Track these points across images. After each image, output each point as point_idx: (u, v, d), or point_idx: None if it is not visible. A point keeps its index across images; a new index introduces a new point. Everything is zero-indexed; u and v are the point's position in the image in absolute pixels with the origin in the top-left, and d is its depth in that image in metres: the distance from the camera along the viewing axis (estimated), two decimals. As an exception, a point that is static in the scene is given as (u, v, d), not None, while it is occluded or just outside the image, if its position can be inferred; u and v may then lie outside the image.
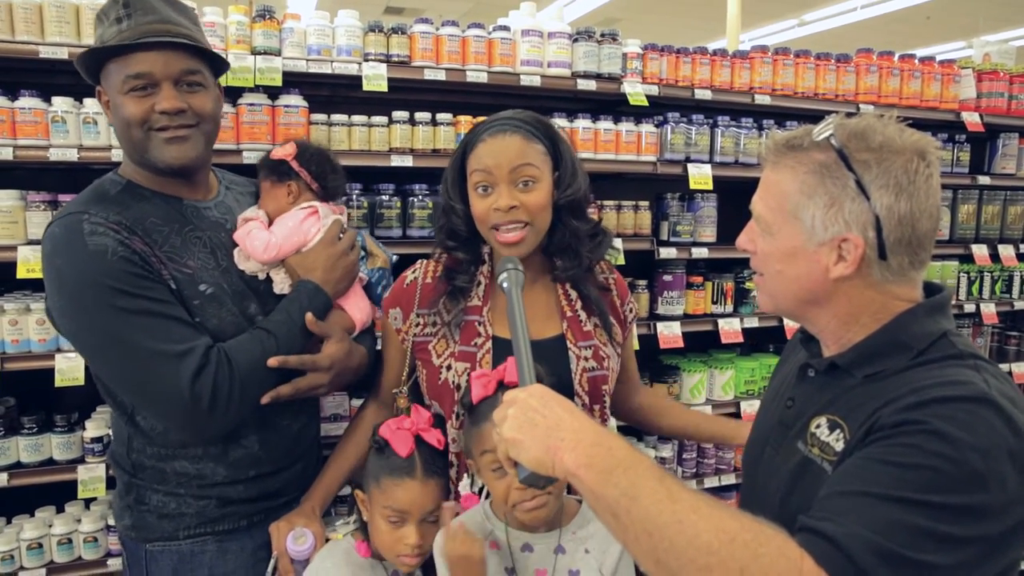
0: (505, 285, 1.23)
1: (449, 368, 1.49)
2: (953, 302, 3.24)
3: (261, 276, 1.57)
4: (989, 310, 3.26)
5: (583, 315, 1.55)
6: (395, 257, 1.93)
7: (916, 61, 3.07)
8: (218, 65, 1.55)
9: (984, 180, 3.23)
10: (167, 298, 1.39)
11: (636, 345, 2.49)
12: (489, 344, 1.49)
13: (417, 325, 1.55)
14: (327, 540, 1.48)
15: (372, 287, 1.72)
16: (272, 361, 1.44)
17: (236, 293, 1.51)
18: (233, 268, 1.53)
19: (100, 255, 1.34)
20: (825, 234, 1.01)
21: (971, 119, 3.13)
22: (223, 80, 2.15)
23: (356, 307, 1.64)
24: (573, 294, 1.57)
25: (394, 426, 1.40)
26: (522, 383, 1.07)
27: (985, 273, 3.32)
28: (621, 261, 2.60)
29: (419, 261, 1.65)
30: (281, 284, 1.58)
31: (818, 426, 1.06)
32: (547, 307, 1.56)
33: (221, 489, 1.50)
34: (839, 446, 1.00)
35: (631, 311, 1.67)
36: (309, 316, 1.50)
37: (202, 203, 1.56)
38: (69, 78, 2.26)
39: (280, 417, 1.55)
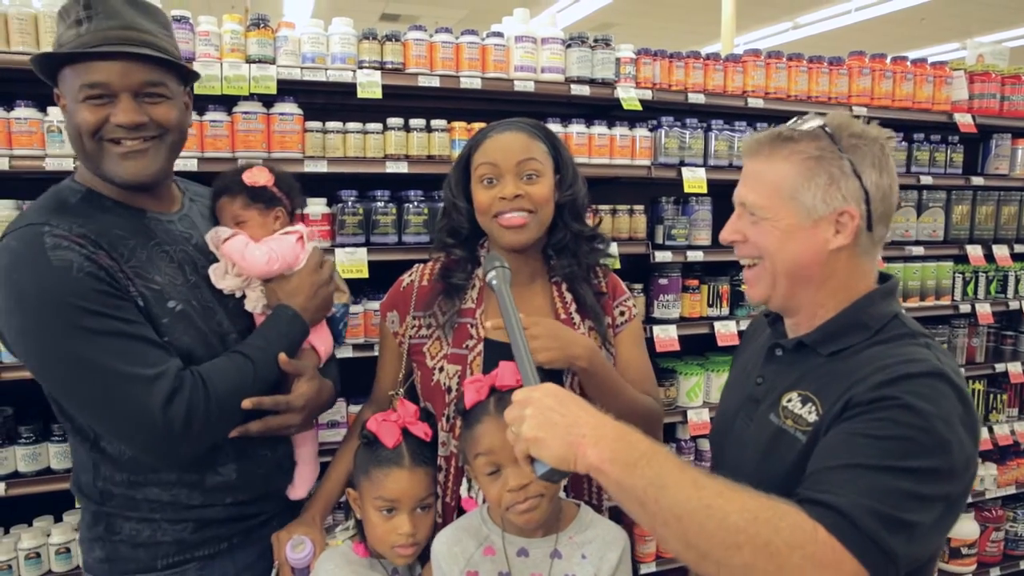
0: (494, 283, 1.24)
1: (441, 370, 1.51)
2: (948, 303, 3.25)
3: (238, 294, 1.51)
4: (984, 310, 3.27)
5: (576, 318, 1.56)
6: (353, 298, 2.15)
7: (908, 63, 3.09)
8: (187, 72, 1.45)
9: (978, 181, 3.24)
10: (136, 317, 1.31)
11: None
12: (480, 347, 1.50)
13: (413, 327, 1.57)
14: (327, 547, 1.48)
15: (335, 321, 1.67)
16: (246, 403, 1.38)
17: (206, 309, 1.43)
18: (202, 283, 1.45)
19: (64, 271, 1.24)
20: (825, 209, 1.13)
21: (964, 120, 3.14)
22: (217, 89, 2.18)
23: (321, 339, 1.60)
24: (568, 296, 1.58)
25: (380, 419, 1.42)
26: (526, 382, 1.11)
27: (980, 273, 3.33)
28: (616, 265, 2.61)
29: (415, 265, 1.66)
30: (255, 303, 1.52)
31: (789, 400, 1.17)
32: (542, 309, 1.57)
33: (198, 512, 1.42)
34: (812, 418, 1.11)
35: (621, 313, 1.64)
36: (283, 356, 1.44)
37: (166, 216, 1.47)
38: (65, 88, 2.28)
39: (259, 447, 1.49)
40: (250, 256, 1.47)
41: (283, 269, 1.53)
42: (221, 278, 1.47)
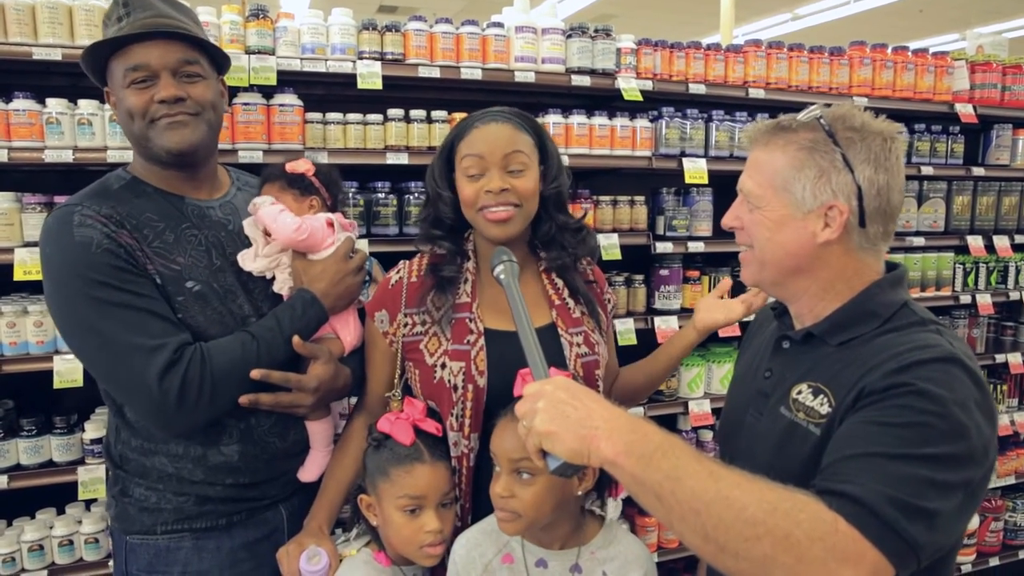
0: (502, 278, 1.23)
1: (444, 367, 1.47)
2: (949, 293, 3.25)
3: (268, 276, 1.57)
4: (985, 301, 3.27)
5: (571, 303, 1.55)
6: None
7: (909, 53, 3.08)
8: (219, 61, 1.55)
9: (978, 171, 3.24)
10: (149, 293, 1.40)
11: (621, 340, 2.50)
12: (482, 341, 1.47)
13: (405, 325, 1.52)
14: (340, 558, 1.45)
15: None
16: (255, 373, 1.43)
17: (227, 292, 1.50)
18: (228, 267, 1.52)
19: (85, 246, 1.36)
20: (814, 202, 1.12)
21: (965, 110, 3.14)
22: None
23: (348, 328, 1.62)
24: (559, 283, 1.57)
25: (392, 418, 1.40)
26: (537, 376, 1.08)
27: (981, 264, 3.33)
28: (617, 256, 2.61)
29: (401, 262, 1.60)
30: (281, 284, 1.57)
31: (799, 392, 1.15)
32: (535, 297, 1.54)
33: (200, 488, 1.49)
34: (824, 409, 1.10)
35: (609, 300, 1.69)
36: (296, 339, 1.48)
37: (205, 202, 1.56)
38: (63, 79, 2.27)
39: (267, 433, 1.53)
40: (282, 220, 1.53)
41: (309, 244, 1.57)
42: (251, 260, 1.54)
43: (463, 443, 1.44)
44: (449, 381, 1.45)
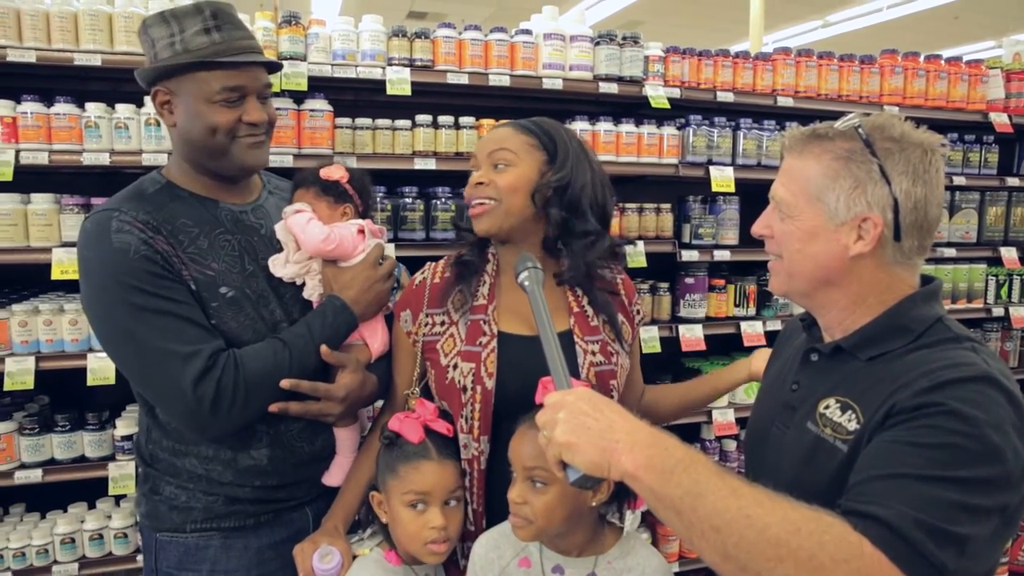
0: (527, 284, 1.22)
1: (455, 367, 1.48)
2: (981, 305, 3.19)
3: (299, 282, 1.58)
4: (1018, 314, 3.20)
5: (590, 311, 1.54)
6: None
7: (942, 62, 3.04)
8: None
9: (1013, 182, 3.18)
10: (184, 299, 1.42)
11: (645, 348, 2.49)
12: (494, 343, 1.47)
13: (426, 325, 1.54)
14: (354, 557, 1.46)
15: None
16: (285, 383, 1.45)
17: (259, 298, 1.52)
18: (260, 272, 1.54)
19: (123, 252, 1.39)
20: (848, 214, 1.08)
21: (999, 120, 3.09)
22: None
23: (376, 335, 1.63)
24: (579, 291, 1.56)
25: (402, 417, 1.42)
26: (559, 386, 1.08)
27: (1014, 276, 3.26)
28: (642, 264, 2.60)
29: (427, 264, 1.63)
30: (312, 291, 1.58)
31: (827, 407, 1.12)
32: (553, 303, 1.49)
33: (229, 489, 1.52)
34: (852, 426, 1.06)
35: (638, 311, 1.67)
36: (324, 348, 1.50)
37: (238, 207, 1.58)
38: (102, 84, 2.33)
39: (295, 439, 1.56)
40: (310, 230, 1.54)
41: (339, 253, 1.58)
42: (281, 266, 1.55)
43: (473, 446, 1.44)
44: (459, 382, 1.46)
